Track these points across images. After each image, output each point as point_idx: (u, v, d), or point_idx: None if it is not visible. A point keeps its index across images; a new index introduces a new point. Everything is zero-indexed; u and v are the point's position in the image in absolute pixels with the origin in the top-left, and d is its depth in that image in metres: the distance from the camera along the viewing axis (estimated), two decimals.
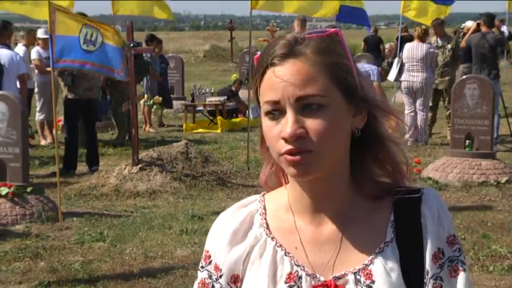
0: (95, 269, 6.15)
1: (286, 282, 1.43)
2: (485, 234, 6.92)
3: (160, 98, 14.21)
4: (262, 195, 1.55)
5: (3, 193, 7.53)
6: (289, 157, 1.35)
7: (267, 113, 1.38)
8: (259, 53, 1.44)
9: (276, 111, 1.36)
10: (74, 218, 7.69)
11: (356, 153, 1.44)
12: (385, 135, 1.45)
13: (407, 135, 12.18)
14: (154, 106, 14.40)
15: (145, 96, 14.10)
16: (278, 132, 1.36)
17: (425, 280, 1.41)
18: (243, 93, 15.89)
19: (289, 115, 1.34)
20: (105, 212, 8.06)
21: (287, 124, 1.34)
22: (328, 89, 1.35)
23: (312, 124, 1.34)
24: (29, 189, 7.72)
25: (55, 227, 7.41)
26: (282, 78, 1.35)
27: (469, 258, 6.22)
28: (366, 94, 1.42)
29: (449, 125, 10.97)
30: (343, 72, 1.38)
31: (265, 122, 1.39)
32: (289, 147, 1.34)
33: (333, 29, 1.42)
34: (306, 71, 1.35)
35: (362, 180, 1.45)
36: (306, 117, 1.34)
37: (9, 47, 11.44)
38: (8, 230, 7.22)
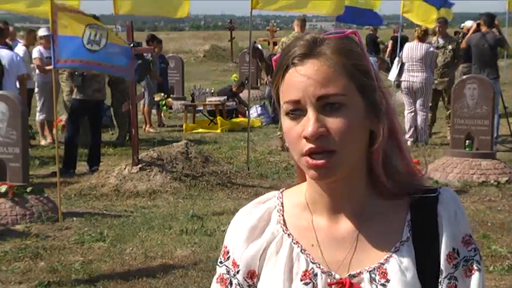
0: (95, 269, 6.15)
1: (301, 280, 1.44)
2: (485, 234, 6.92)
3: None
4: (281, 192, 1.56)
5: (3, 190, 7.52)
6: (311, 161, 1.36)
7: (288, 113, 1.39)
8: (278, 54, 1.45)
9: (297, 111, 1.37)
10: (74, 218, 7.69)
11: (373, 152, 1.44)
12: (400, 134, 1.47)
13: (407, 135, 12.20)
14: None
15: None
16: (299, 132, 1.37)
17: (440, 279, 1.42)
18: (243, 93, 15.87)
19: (310, 114, 1.35)
20: (105, 212, 8.06)
21: (308, 123, 1.35)
22: (347, 88, 1.37)
23: (333, 123, 1.35)
24: (29, 189, 7.71)
25: (55, 227, 7.41)
26: (302, 78, 1.36)
27: None
28: (383, 92, 1.43)
29: (449, 125, 10.97)
30: (362, 73, 1.40)
31: (286, 122, 1.40)
32: (311, 145, 1.35)
33: (350, 30, 1.44)
34: (326, 70, 1.36)
35: (379, 179, 1.45)
36: (326, 116, 1.36)
37: (10, 48, 11.43)
38: (8, 230, 7.22)
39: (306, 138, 1.35)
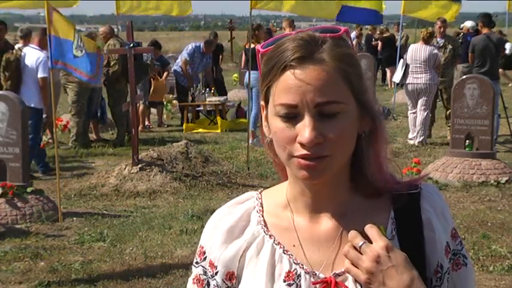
0: (95, 269, 6.15)
1: (285, 281, 1.42)
2: (485, 234, 6.92)
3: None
4: (260, 192, 1.54)
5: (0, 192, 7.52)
6: (303, 161, 1.34)
7: (280, 115, 1.36)
8: (259, 45, 1.41)
9: (291, 114, 1.35)
10: (74, 218, 7.69)
11: (356, 152, 1.43)
12: (384, 134, 1.45)
13: (410, 135, 12.20)
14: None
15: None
16: (292, 135, 1.34)
17: (440, 275, 1.42)
18: (243, 94, 15.83)
19: (308, 120, 1.33)
20: (105, 212, 8.06)
21: (305, 130, 1.33)
22: (345, 95, 1.35)
23: (330, 131, 1.33)
24: (29, 189, 7.72)
25: (55, 227, 7.41)
26: (301, 83, 1.33)
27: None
28: (371, 94, 1.43)
29: (449, 125, 10.97)
30: (357, 77, 1.38)
31: (277, 123, 1.37)
32: (305, 152, 1.33)
33: (343, 28, 1.41)
34: (325, 76, 1.34)
35: (361, 178, 1.44)
36: (323, 123, 1.34)
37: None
38: (8, 230, 7.22)
39: (301, 143, 1.34)
